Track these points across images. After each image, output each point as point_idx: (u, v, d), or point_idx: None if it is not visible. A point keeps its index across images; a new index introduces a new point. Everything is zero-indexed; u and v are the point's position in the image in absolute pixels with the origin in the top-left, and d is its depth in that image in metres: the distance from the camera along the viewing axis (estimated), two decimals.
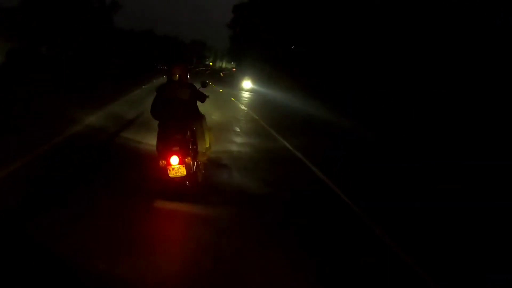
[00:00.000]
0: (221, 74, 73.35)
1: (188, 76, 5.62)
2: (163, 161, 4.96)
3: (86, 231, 4.11)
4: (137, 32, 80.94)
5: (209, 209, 4.95)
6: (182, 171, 4.97)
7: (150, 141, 7.12)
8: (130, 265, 3.53)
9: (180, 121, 5.22)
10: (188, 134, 5.29)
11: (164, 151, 5.03)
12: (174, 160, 4.91)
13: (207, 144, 5.68)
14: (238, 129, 10.97)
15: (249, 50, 46.96)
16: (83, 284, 3.24)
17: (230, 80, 45.05)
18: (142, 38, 77.90)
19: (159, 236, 4.19)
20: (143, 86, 21.46)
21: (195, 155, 5.39)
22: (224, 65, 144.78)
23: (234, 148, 8.42)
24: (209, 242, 4.08)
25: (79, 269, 3.42)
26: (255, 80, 33.13)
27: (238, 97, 24.16)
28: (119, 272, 3.42)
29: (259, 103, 22.26)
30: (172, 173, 4.98)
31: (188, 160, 5.01)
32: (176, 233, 4.35)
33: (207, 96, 5.75)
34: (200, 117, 5.68)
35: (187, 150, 5.13)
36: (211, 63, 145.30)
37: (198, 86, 5.74)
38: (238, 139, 9.47)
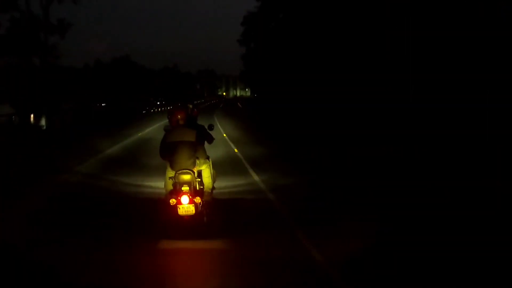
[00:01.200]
0: (239, 104, 66.62)
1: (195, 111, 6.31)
2: (174, 200, 5.38)
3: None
4: (107, 63, 58.05)
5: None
6: (191, 210, 5.36)
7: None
8: None
9: (188, 162, 5.66)
10: (195, 174, 5.72)
11: (175, 191, 5.47)
12: (185, 199, 5.31)
13: (211, 184, 6.10)
14: None
15: (274, 68, 35.07)
16: None
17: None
18: (121, 69, 55.95)
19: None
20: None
21: (201, 194, 5.78)
22: (238, 93, 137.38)
23: None
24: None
25: None
26: None
27: None
28: None
29: None
30: (181, 211, 5.36)
31: (197, 199, 5.42)
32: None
33: (214, 139, 6.26)
34: (206, 158, 6.12)
35: (196, 190, 5.56)
36: (224, 93, 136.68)
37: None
38: None
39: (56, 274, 4.32)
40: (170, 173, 5.73)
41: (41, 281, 4.20)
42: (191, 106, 6.25)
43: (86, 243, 5.21)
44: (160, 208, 6.07)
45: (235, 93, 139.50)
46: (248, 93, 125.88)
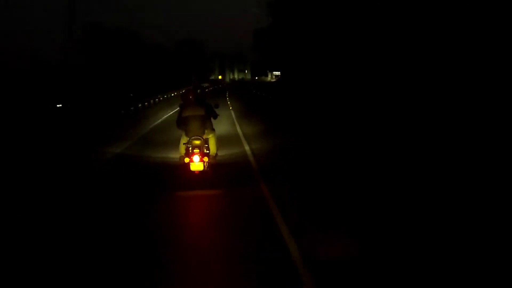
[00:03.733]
0: (256, 91, 42.35)
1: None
2: (187, 159, 7.33)
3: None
4: None
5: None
6: (200, 166, 7.38)
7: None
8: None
9: (199, 131, 7.59)
10: (203, 141, 7.64)
11: (188, 153, 7.42)
12: (196, 158, 7.31)
13: (215, 150, 8.02)
14: None
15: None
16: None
17: None
18: None
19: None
20: None
21: (208, 156, 7.70)
22: (236, 76, 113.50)
23: None
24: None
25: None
26: None
27: None
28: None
29: None
30: (193, 168, 7.38)
31: (205, 159, 7.40)
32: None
33: (218, 115, 8.18)
34: (212, 130, 8.04)
35: (204, 153, 7.51)
36: (220, 77, 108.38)
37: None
38: None
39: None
40: (184, 139, 7.72)
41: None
42: (199, 90, 8.16)
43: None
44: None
45: (232, 76, 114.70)
46: (249, 76, 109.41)
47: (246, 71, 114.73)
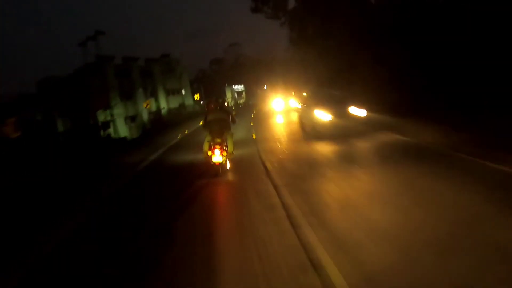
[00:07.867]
0: None
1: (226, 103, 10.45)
2: (210, 152, 9.47)
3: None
4: None
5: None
6: (220, 159, 9.49)
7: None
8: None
9: (220, 132, 9.77)
10: (223, 140, 9.82)
11: (211, 147, 9.55)
12: (217, 152, 9.53)
13: (232, 149, 10.19)
14: None
15: None
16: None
17: None
18: None
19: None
20: None
21: (226, 152, 9.86)
22: (163, 102, 51.31)
23: None
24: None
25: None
26: None
27: None
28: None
29: None
30: (214, 160, 9.54)
31: (224, 153, 9.61)
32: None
33: (236, 121, 10.49)
34: (231, 132, 10.25)
35: (223, 149, 9.69)
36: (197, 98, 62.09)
37: None
38: None
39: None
40: (208, 138, 9.93)
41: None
42: (220, 100, 10.39)
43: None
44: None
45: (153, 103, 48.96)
46: (190, 101, 56.78)
47: (183, 91, 58.22)
